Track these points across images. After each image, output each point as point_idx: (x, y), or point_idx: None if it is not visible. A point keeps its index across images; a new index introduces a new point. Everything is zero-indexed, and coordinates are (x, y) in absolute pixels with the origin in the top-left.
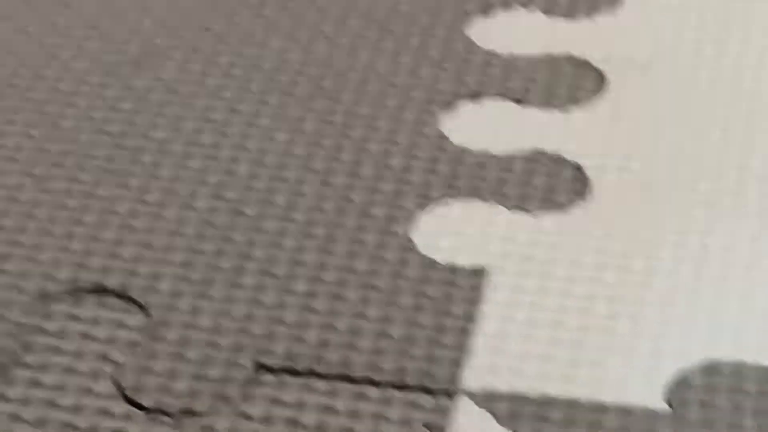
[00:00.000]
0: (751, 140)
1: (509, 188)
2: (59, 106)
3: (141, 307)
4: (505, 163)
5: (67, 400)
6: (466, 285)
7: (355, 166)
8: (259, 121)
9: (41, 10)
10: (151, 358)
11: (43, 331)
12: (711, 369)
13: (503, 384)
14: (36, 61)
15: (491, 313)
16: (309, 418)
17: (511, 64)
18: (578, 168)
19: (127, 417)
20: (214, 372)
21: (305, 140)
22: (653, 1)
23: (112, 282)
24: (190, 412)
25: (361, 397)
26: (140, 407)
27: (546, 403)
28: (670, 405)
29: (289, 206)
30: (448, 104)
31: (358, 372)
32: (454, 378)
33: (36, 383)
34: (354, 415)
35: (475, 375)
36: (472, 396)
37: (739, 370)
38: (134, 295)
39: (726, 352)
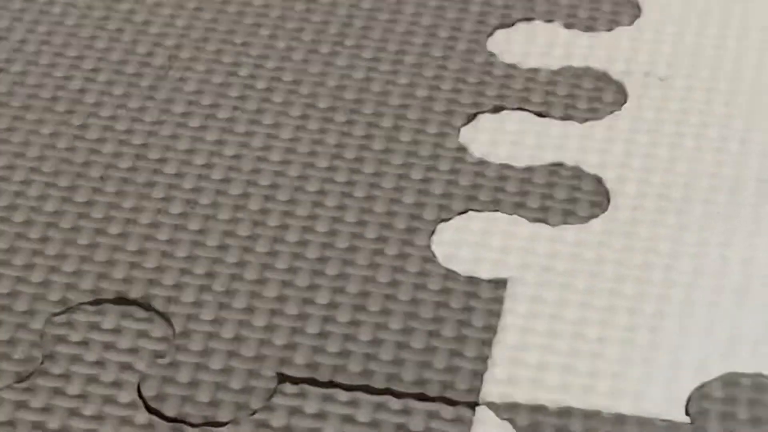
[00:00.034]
0: None
1: (530, 200)
2: (82, 117)
3: (164, 317)
4: (526, 175)
5: (89, 410)
6: (486, 296)
7: (376, 178)
8: (281, 133)
9: (65, 22)
10: (173, 368)
11: (67, 341)
12: (730, 381)
13: (523, 395)
14: (59, 73)
15: (511, 324)
16: (330, 428)
17: (531, 77)
18: (598, 180)
19: (150, 427)
20: (236, 382)
21: (326, 152)
22: (672, 14)
23: (135, 292)
24: (212, 423)
25: (382, 407)
26: (162, 417)
27: (566, 414)
28: (690, 416)
29: (311, 217)
30: (469, 117)
31: (379, 383)
32: (474, 389)
33: (59, 392)
34: (375, 425)
35: (495, 386)
36: (492, 407)
37: (758, 381)
38: (157, 305)
39: (745, 364)
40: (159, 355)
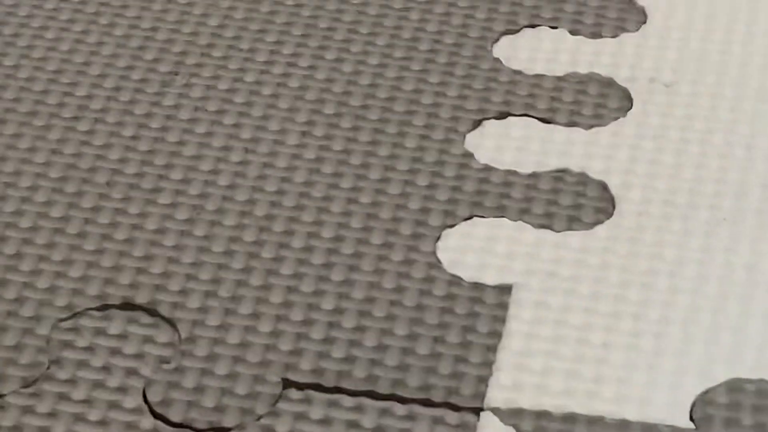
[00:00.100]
0: None
1: (535, 206)
2: (89, 123)
3: (169, 323)
4: (531, 181)
5: (95, 415)
6: (491, 302)
7: (382, 184)
8: (287, 140)
9: (72, 28)
10: (179, 373)
11: (73, 347)
12: (734, 387)
13: (528, 401)
14: (66, 79)
15: (516, 330)
16: None
17: (537, 84)
18: (603, 186)
19: None
20: (241, 388)
21: (332, 158)
22: (678, 20)
23: (141, 298)
24: (217, 428)
25: (387, 413)
26: (168, 422)
27: (570, 419)
28: (694, 422)
29: (316, 223)
30: (475, 123)
31: (384, 388)
32: (479, 395)
33: (65, 398)
34: (380, 431)
35: (500, 392)
36: (497, 412)
37: (762, 387)
38: (163, 311)
39: (750, 370)
40: (165, 360)
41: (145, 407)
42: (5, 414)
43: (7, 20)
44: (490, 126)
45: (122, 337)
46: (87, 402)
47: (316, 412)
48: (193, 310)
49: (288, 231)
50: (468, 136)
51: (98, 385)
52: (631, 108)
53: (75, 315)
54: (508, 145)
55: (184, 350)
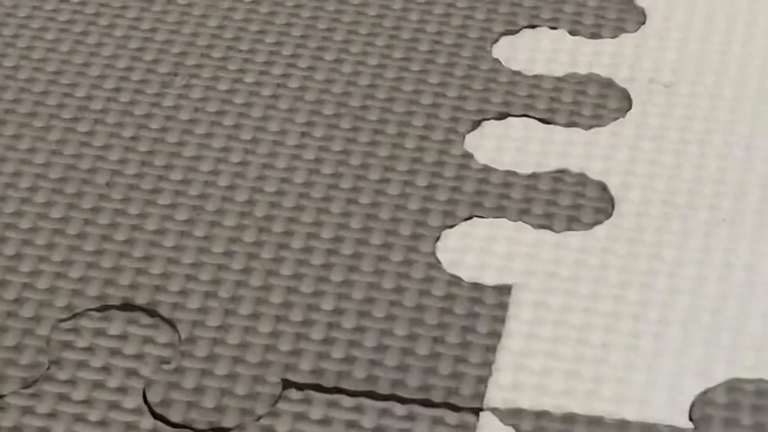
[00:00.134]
0: None
1: (534, 207)
2: (89, 124)
3: (169, 323)
4: (530, 181)
5: (95, 416)
6: (491, 302)
7: (382, 184)
8: (286, 140)
9: (71, 29)
10: (178, 374)
11: (73, 347)
12: (734, 387)
13: (527, 401)
14: (66, 80)
15: (516, 330)
16: None
17: (536, 84)
18: (603, 187)
19: None
20: (241, 388)
21: (331, 159)
22: (677, 20)
23: (140, 299)
24: (217, 428)
25: (387, 413)
26: (168, 423)
27: (570, 420)
28: (693, 422)
29: (316, 224)
30: (474, 124)
31: (383, 389)
32: (478, 395)
33: (65, 398)
34: (379, 431)
35: (499, 392)
36: (496, 413)
37: (761, 388)
38: (163, 311)
39: (749, 370)
40: (164, 361)
41: (145, 408)
42: (5, 415)
43: (7, 21)
44: (490, 126)
45: (122, 337)
46: (87, 402)
47: (316, 413)
48: (192, 310)
49: (288, 231)
50: (467, 136)
51: (98, 385)
52: (630, 108)
53: (75, 316)
54: (507, 145)
55: (183, 351)
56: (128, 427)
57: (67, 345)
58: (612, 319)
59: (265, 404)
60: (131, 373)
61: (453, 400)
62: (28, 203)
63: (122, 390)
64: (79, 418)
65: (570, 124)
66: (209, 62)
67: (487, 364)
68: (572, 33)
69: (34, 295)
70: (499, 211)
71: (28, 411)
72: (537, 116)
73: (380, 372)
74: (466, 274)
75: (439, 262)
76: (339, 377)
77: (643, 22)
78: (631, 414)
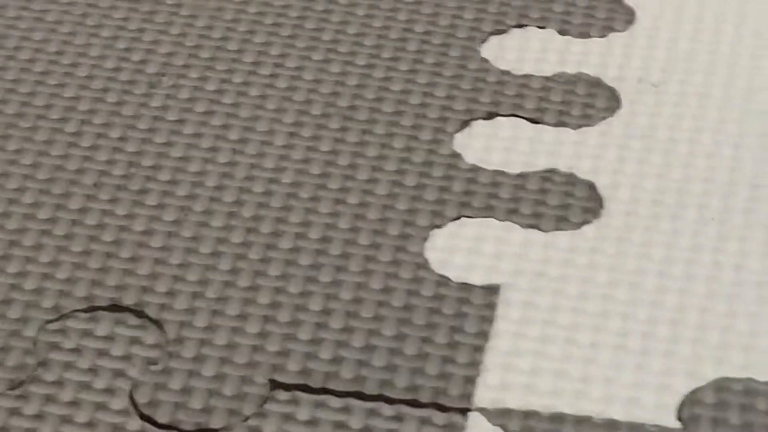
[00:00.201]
0: (763, 157)
1: (523, 206)
2: (76, 124)
3: (157, 324)
4: (519, 181)
5: (82, 417)
6: (479, 302)
7: (370, 185)
8: (275, 140)
9: (59, 30)
10: (166, 375)
11: (60, 348)
12: (722, 386)
13: (516, 401)
14: (53, 81)
15: (504, 330)
16: None
17: (525, 84)
18: (591, 186)
19: None
20: (228, 389)
21: (320, 159)
22: (666, 20)
23: (128, 299)
24: (204, 429)
25: (375, 414)
26: (155, 424)
27: (558, 419)
28: (682, 422)
29: (304, 224)
30: (463, 123)
31: (371, 389)
32: (466, 395)
33: (52, 399)
34: (367, 431)
35: (487, 392)
36: (484, 413)
37: (750, 387)
38: (150, 312)
39: (737, 369)
40: (152, 361)
41: (132, 409)
42: None
43: None
44: (478, 126)
45: (109, 338)
46: (74, 404)
47: (304, 413)
48: (180, 311)
49: (275, 232)
50: (456, 136)
51: (85, 386)
52: (619, 108)
53: (62, 317)
54: (496, 145)
55: (171, 351)
56: (115, 429)
57: (54, 346)
58: (600, 319)
59: (253, 405)
60: (118, 374)
61: (441, 401)
62: (15, 204)
63: (109, 391)
64: (66, 420)
65: (559, 124)
66: (197, 62)
67: (476, 364)
68: (561, 32)
69: (21, 296)
70: (488, 211)
71: (14, 412)
72: (526, 116)
73: (368, 372)
74: (455, 274)
75: (427, 262)
76: (327, 378)
77: (632, 22)
78: (620, 413)
